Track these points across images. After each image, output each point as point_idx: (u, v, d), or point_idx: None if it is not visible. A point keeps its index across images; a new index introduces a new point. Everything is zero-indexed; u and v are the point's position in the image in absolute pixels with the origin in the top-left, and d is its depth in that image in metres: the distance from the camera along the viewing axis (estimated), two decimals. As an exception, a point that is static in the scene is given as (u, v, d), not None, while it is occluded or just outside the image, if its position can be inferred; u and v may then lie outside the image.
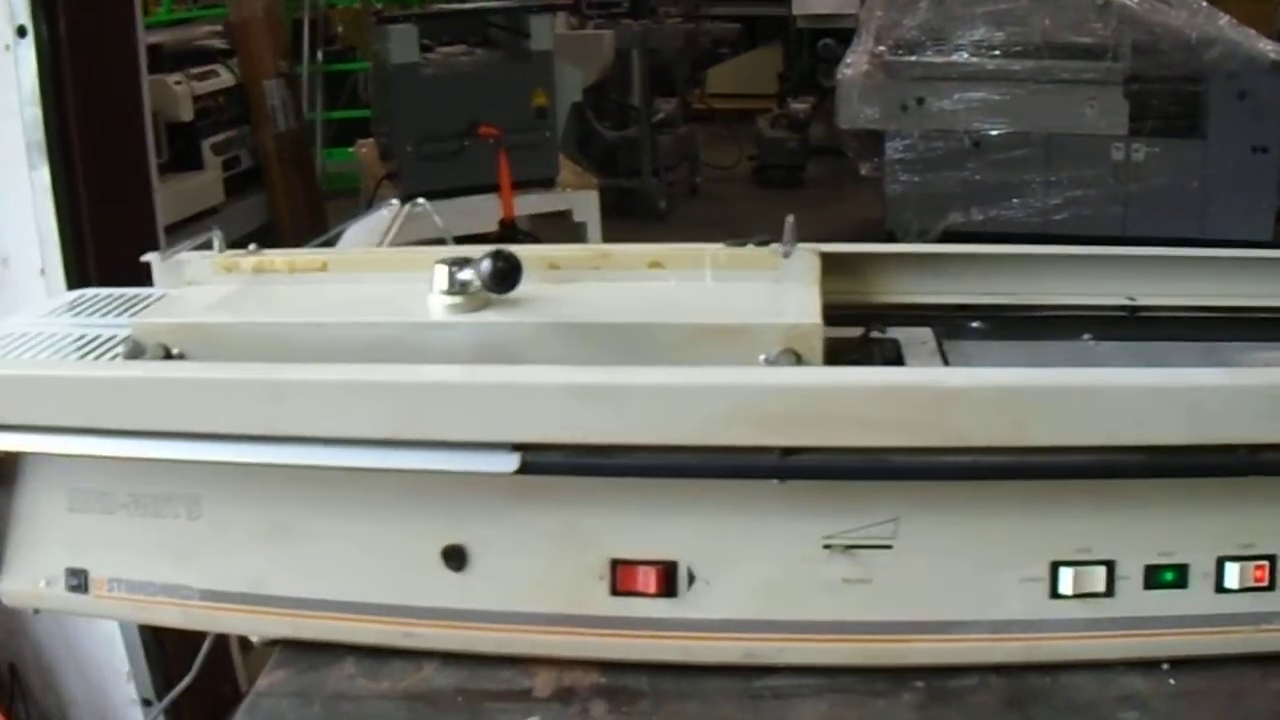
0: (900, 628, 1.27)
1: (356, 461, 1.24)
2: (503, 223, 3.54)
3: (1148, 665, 1.29)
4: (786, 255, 1.42)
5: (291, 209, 3.61)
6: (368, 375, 1.24)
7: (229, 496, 1.31)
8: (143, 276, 1.62)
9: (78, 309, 1.57)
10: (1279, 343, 1.43)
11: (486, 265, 1.29)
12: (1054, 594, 1.25)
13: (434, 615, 1.30)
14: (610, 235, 4.31)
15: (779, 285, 1.40)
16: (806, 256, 1.42)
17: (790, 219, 1.43)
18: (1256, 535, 1.24)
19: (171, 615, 1.36)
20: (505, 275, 1.30)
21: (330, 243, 1.80)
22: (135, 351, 1.35)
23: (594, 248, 1.49)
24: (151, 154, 2.50)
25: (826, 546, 1.24)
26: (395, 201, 1.88)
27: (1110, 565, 1.25)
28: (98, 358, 1.39)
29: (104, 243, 2.32)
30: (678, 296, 1.39)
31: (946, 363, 1.38)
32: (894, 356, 1.40)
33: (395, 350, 1.31)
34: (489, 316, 1.33)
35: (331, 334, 1.35)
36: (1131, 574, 1.25)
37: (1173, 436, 1.19)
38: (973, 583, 1.26)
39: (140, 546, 1.34)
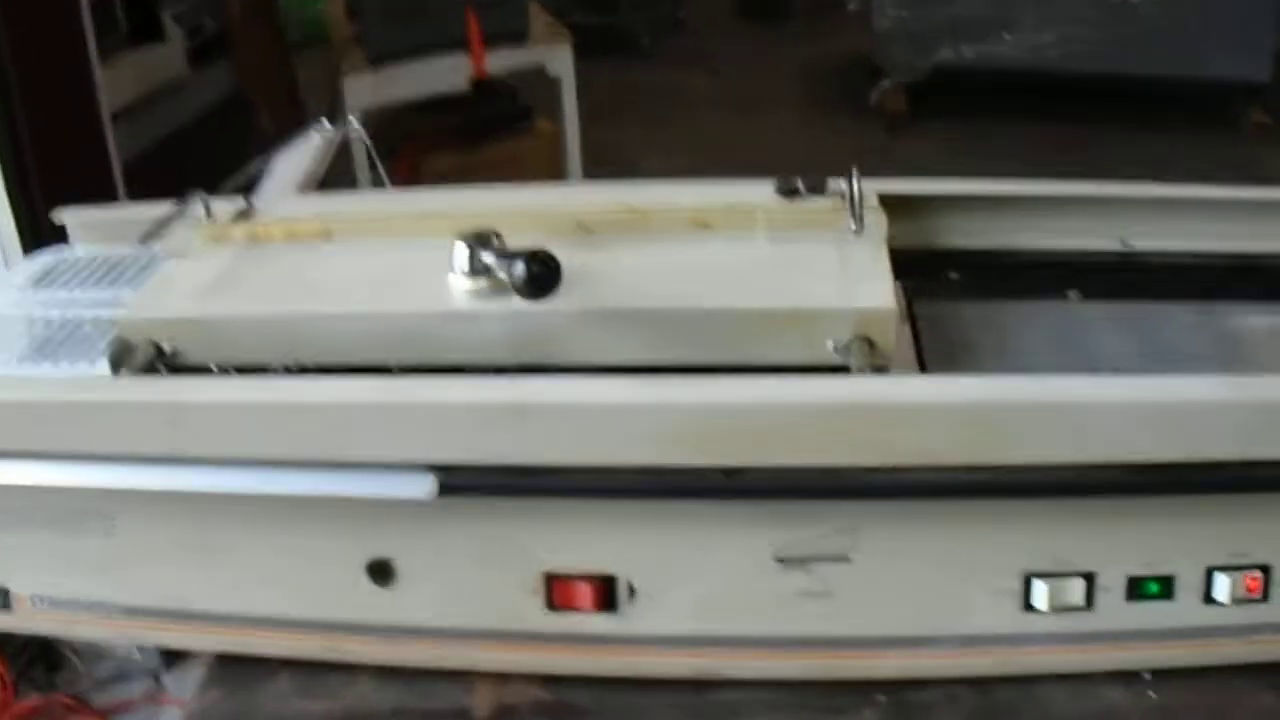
0: (862, 643, 1.19)
1: (264, 487, 1.15)
2: (475, 81, 3.42)
3: (1128, 677, 1.21)
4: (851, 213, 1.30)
5: (260, 76, 3.49)
6: (275, 395, 1.14)
7: (142, 515, 1.22)
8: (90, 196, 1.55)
9: (51, 280, 1.46)
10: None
11: (520, 269, 1.14)
12: (1027, 607, 1.16)
13: (363, 631, 1.23)
14: (592, 74, 4.18)
15: (842, 250, 1.27)
16: (871, 215, 1.29)
17: (854, 170, 1.31)
18: (1250, 544, 1.15)
19: (97, 631, 1.30)
20: (543, 281, 1.15)
21: (259, 176, 1.66)
22: (123, 350, 1.25)
23: (630, 205, 1.35)
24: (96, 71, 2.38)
25: (779, 559, 1.15)
26: (325, 122, 1.75)
27: (1090, 577, 1.16)
28: (74, 359, 1.28)
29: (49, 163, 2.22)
30: (731, 270, 1.26)
31: (915, 331, 1.28)
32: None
33: (416, 344, 1.22)
34: (519, 304, 1.19)
35: (344, 326, 1.23)
36: (1113, 586, 1.16)
37: (1157, 454, 1.09)
38: (939, 596, 1.17)
39: (61, 564, 1.26)
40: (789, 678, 1.21)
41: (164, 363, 1.24)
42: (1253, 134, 4.96)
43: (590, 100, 4.52)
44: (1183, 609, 1.18)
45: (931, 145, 4.96)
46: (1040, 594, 1.16)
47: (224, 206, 1.43)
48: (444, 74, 3.38)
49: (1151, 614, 1.18)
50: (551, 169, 3.68)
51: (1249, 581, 1.16)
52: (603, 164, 4.47)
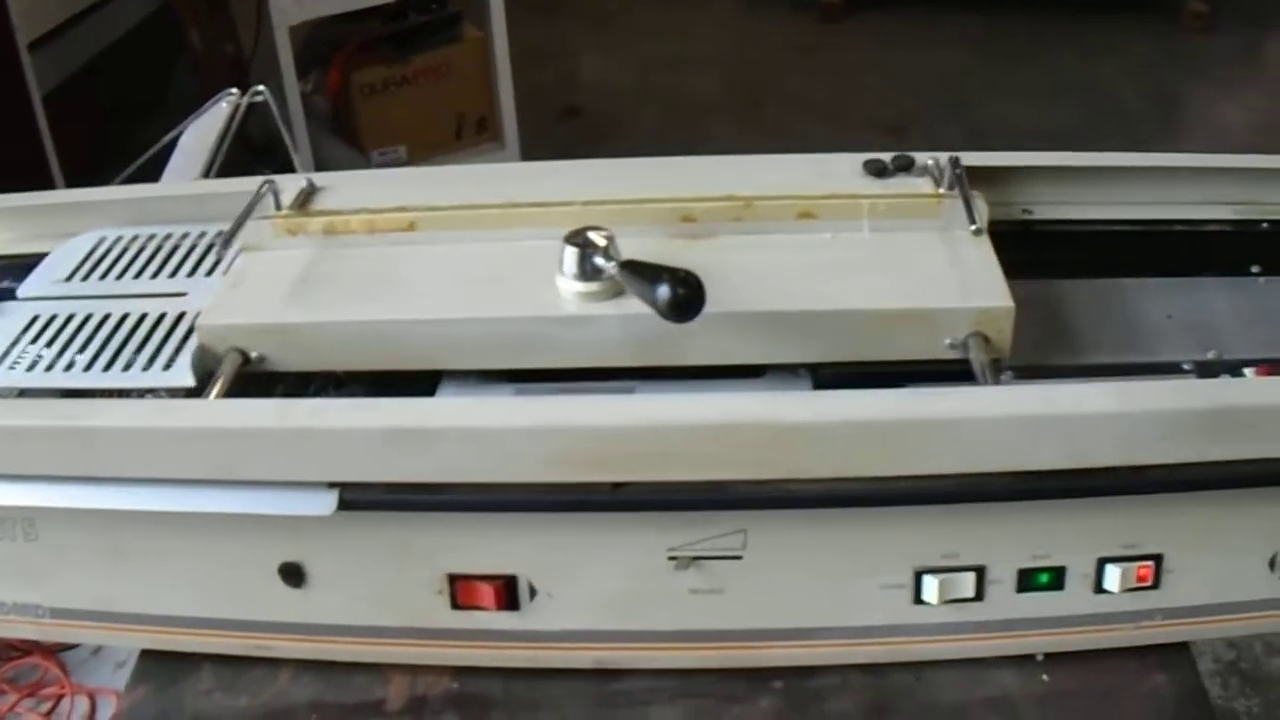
0: (755, 635, 1.21)
1: (170, 505, 1.15)
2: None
3: (1021, 661, 1.24)
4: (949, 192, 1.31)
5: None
6: (180, 421, 1.13)
7: (61, 520, 1.22)
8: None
9: (95, 269, 1.41)
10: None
11: (665, 292, 1.11)
12: (917, 600, 1.19)
13: (281, 629, 1.24)
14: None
15: (948, 242, 1.28)
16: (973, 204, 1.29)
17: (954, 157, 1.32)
18: (1141, 536, 1.17)
19: (27, 631, 1.30)
20: (688, 304, 1.12)
21: (169, 149, 1.66)
22: (206, 359, 1.22)
23: (735, 195, 1.32)
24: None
25: (672, 559, 1.17)
26: (235, 91, 1.74)
27: (980, 571, 1.18)
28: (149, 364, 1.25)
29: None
30: (845, 267, 1.25)
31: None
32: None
33: (525, 347, 1.21)
34: (636, 306, 1.18)
35: (450, 331, 1.22)
36: (1003, 578, 1.18)
37: (1043, 463, 1.10)
38: (830, 591, 1.19)
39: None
40: (687, 667, 1.23)
41: (250, 370, 1.22)
42: (1189, 23, 4.96)
43: (526, -1, 4.50)
44: (1074, 598, 1.20)
45: (868, 37, 4.95)
46: (930, 588, 1.18)
47: (289, 189, 1.38)
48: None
49: (1042, 603, 1.20)
50: (482, 77, 3.65)
51: (1140, 571, 1.18)
52: (538, 66, 4.45)
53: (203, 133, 1.68)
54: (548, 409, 1.12)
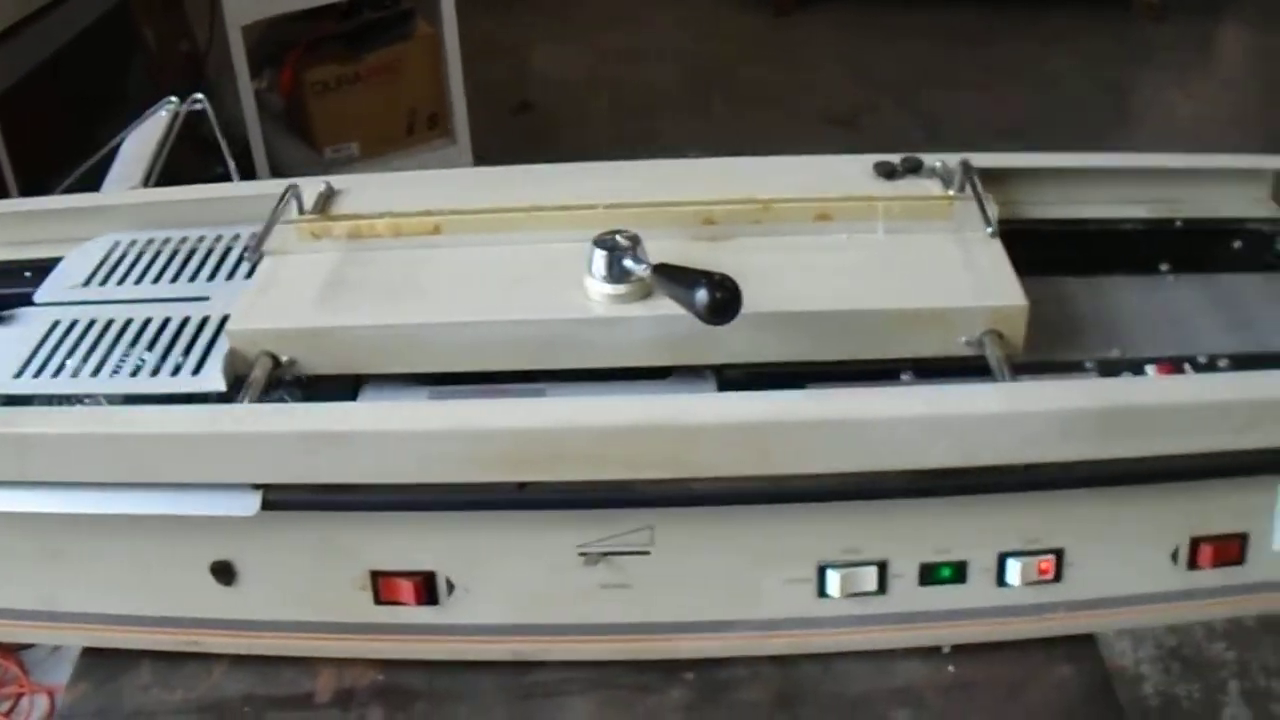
0: (665, 628, 1.24)
1: (99, 508, 1.18)
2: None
3: (927, 652, 1.27)
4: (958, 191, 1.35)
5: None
6: (109, 427, 1.17)
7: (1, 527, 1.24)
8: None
9: (112, 274, 1.41)
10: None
11: (703, 296, 1.15)
12: (821, 594, 1.22)
13: (215, 626, 1.27)
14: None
15: (959, 242, 1.32)
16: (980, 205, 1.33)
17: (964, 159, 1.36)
18: (1041, 531, 1.21)
19: None
20: (726, 307, 1.16)
21: (110, 158, 1.68)
22: (237, 363, 1.24)
23: (754, 198, 1.36)
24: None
25: (582, 554, 1.20)
26: (174, 99, 1.76)
27: (882, 565, 1.21)
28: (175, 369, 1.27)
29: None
30: (862, 266, 1.29)
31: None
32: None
33: (555, 349, 1.24)
34: (666, 307, 1.21)
35: (481, 334, 1.24)
36: (905, 572, 1.22)
37: (939, 461, 1.14)
38: (736, 585, 1.22)
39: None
40: (601, 659, 1.26)
41: (281, 375, 1.24)
42: (1142, 13, 4.98)
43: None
44: (976, 592, 1.23)
45: (820, 29, 4.95)
46: (833, 583, 1.21)
47: (310, 193, 1.40)
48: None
49: (945, 597, 1.23)
50: (433, 73, 3.66)
51: (1041, 565, 1.22)
52: (492, 60, 4.46)
53: (144, 140, 1.68)
54: (457, 412, 1.15)
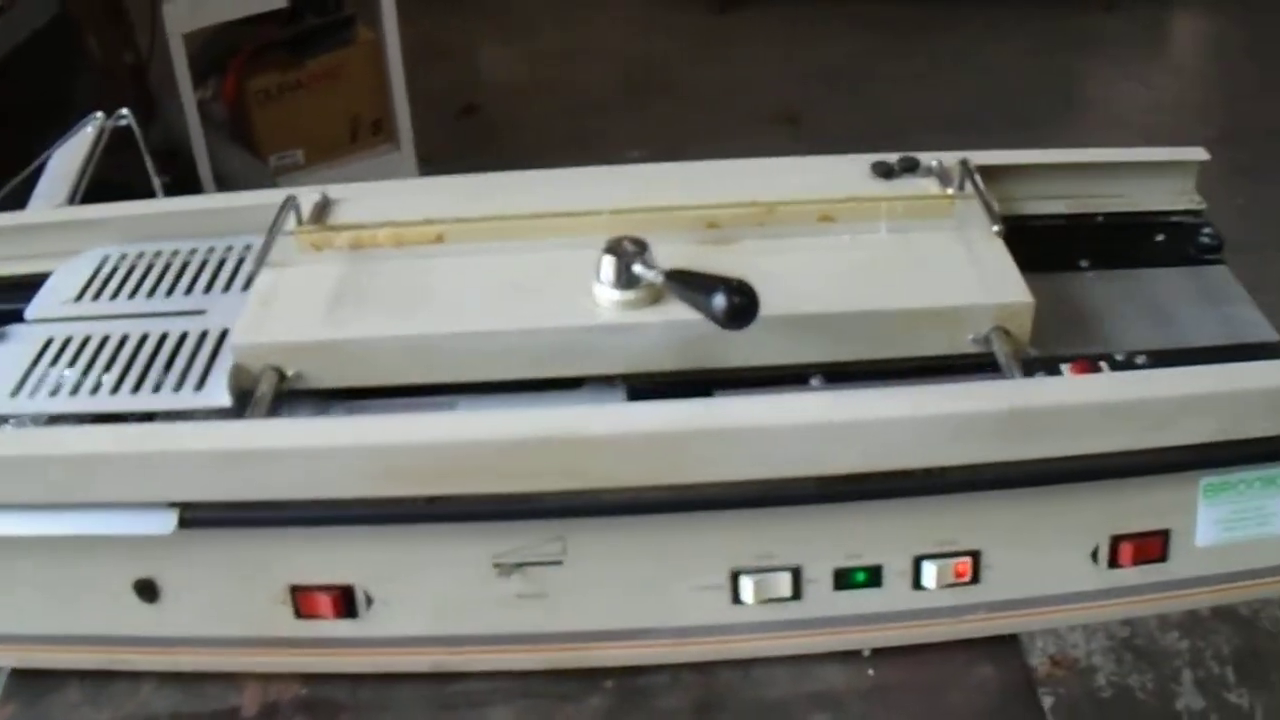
0: (582, 637, 1.25)
1: (14, 529, 1.19)
2: (292, -4, 3.41)
3: (847, 656, 1.28)
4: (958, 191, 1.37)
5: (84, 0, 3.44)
6: (18, 449, 1.17)
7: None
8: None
9: (105, 288, 1.40)
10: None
11: (721, 301, 1.16)
12: (735, 600, 1.23)
13: (138, 644, 1.28)
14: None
15: (962, 240, 1.34)
16: (976, 205, 1.35)
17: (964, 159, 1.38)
18: (957, 533, 1.22)
19: None
20: (744, 312, 1.17)
21: (37, 174, 1.68)
22: (242, 378, 1.24)
23: (758, 201, 1.37)
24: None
25: (496, 565, 1.21)
26: (100, 115, 1.76)
27: (795, 571, 1.22)
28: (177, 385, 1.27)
29: None
30: (867, 267, 1.30)
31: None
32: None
33: (566, 356, 1.25)
34: (676, 312, 1.23)
35: (490, 343, 1.25)
36: (819, 578, 1.23)
37: (845, 466, 1.15)
38: (650, 593, 1.23)
39: None
40: (521, 669, 1.27)
41: (286, 389, 1.24)
42: (1091, 3, 5.00)
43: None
44: (892, 595, 1.24)
45: (761, 26, 4.96)
46: (747, 589, 1.22)
47: (306, 204, 1.40)
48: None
49: (862, 601, 1.24)
50: (376, 79, 3.67)
51: (958, 567, 1.23)
52: (436, 63, 4.46)
53: (71, 155, 1.68)
54: (363, 428, 1.16)
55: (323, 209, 1.42)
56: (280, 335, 1.26)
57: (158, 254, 1.46)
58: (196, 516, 1.17)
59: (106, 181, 1.73)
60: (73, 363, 1.30)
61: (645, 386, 1.27)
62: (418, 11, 3.96)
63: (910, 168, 1.42)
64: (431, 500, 1.16)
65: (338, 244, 1.36)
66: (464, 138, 4.22)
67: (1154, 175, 1.53)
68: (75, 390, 1.27)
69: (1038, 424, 1.16)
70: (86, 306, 1.39)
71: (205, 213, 1.51)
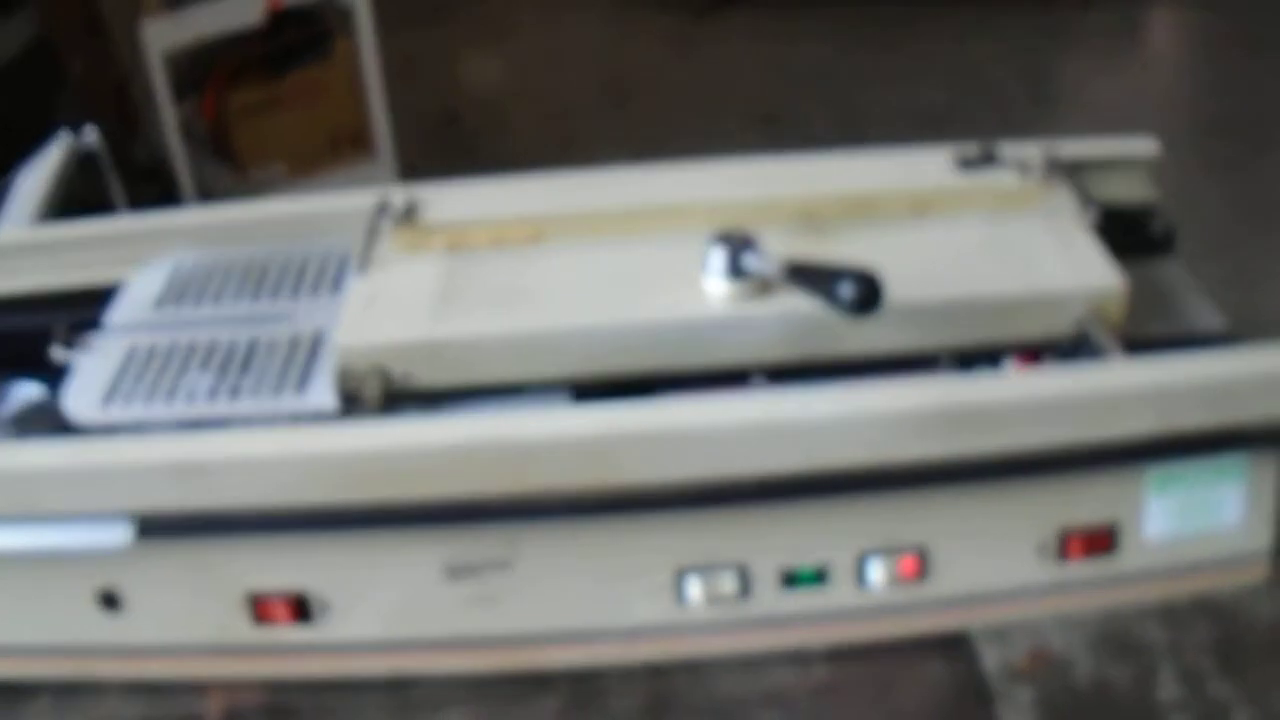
0: (534, 639, 1.27)
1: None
2: (270, 13, 3.41)
3: (798, 655, 1.28)
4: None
5: (66, 20, 3.45)
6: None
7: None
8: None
9: (184, 296, 1.41)
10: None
11: (848, 290, 1.19)
12: (683, 601, 1.24)
13: (104, 654, 1.29)
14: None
15: (1050, 228, 1.36)
16: (1063, 192, 1.38)
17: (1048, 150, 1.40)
18: (901, 530, 1.24)
19: None
20: (870, 300, 1.20)
21: (1, 194, 1.70)
22: (347, 379, 1.25)
23: (853, 193, 1.40)
24: None
25: (447, 570, 1.23)
26: (66, 134, 1.78)
27: (741, 570, 1.24)
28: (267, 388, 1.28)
29: None
30: (965, 255, 1.33)
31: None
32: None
33: (678, 350, 1.27)
34: (788, 303, 1.25)
35: (602, 339, 1.26)
36: (765, 577, 1.24)
37: (784, 466, 1.17)
38: (599, 594, 1.25)
39: None
40: (474, 673, 1.28)
41: (393, 390, 1.24)
42: (1066, 0, 4.99)
43: (404, 5, 4.50)
44: (839, 593, 1.25)
45: (740, 30, 4.95)
46: (693, 589, 1.23)
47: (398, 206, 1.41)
48: (240, 8, 3.34)
49: (808, 599, 1.25)
50: (355, 92, 3.67)
51: (904, 564, 1.24)
52: (417, 74, 4.46)
53: (36, 175, 1.69)
54: (308, 438, 1.19)
55: (409, 211, 1.42)
56: (386, 335, 1.27)
57: (234, 260, 1.47)
58: (153, 527, 1.19)
59: (88, 201, 1.74)
60: (163, 370, 1.31)
61: (590, 389, 1.28)
62: (397, 24, 3.97)
63: (989, 159, 1.45)
64: (379, 506, 1.18)
65: (434, 244, 1.37)
66: (445, 148, 4.23)
67: (1105, 168, 1.54)
68: (170, 397, 1.28)
69: (977, 419, 1.18)
70: (167, 313, 1.40)
71: (278, 218, 1.52)
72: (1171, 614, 2.55)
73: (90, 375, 1.31)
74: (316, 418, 1.24)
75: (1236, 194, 3.62)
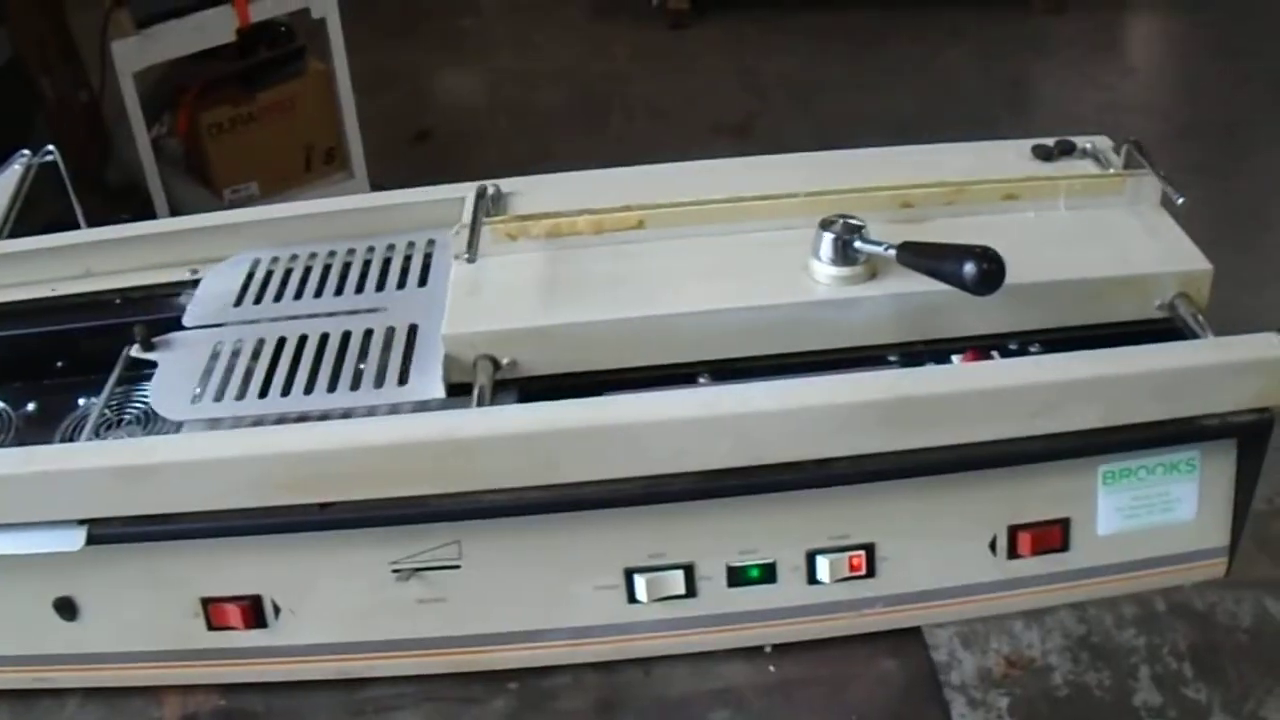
0: (483, 640, 1.27)
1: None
2: (240, 30, 3.43)
3: (749, 653, 1.29)
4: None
5: (37, 41, 3.46)
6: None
7: None
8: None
9: (265, 292, 1.40)
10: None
11: (972, 269, 1.20)
12: (631, 599, 1.25)
13: (61, 661, 1.30)
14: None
15: (1135, 215, 1.38)
16: (1147, 181, 1.40)
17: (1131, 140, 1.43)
18: (849, 527, 1.24)
19: None
20: (994, 278, 1.21)
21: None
22: (453, 369, 1.25)
23: (947, 181, 1.42)
24: None
25: (395, 571, 1.23)
26: (26, 153, 1.79)
27: (689, 568, 1.24)
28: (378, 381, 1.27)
29: None
30: (1056, 240, 1.35)
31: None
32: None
33: (786, 333, 1.28)
34: (898, 285, 1.27)
35: (712, 323, 1.26)
36: (713, 574, 1.24)
37: (724, 461, 1.17)
38: (548, 594, 1.25)
39: None
40: (426, 673, 1.29)
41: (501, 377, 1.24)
42: (1040, 6, 5.02)
43: (378, 20, 4.51)
44: (788, 590, 1.26)
45: (714, 41, 4.98)
46: (641, 587, 1.24)
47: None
48: (210, 27, 3.36)
49: (757, 597, 1.26)
50: (328, 108, 3.69)
51: (852, 560, 1.25)
52: (390, 90, 4.48)
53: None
54: (251, 439, 1.20)
55: (495, 202, 1.43)
56: (493, 324, 1.27)
57: (312, 255, 1.47)
58: (105, 533, 1.20)
59: (59, 221, 1.74)
60: (251, 365, 1.31)
61: (538, 389, 1.28)
62: (370, 40, 3.99)
63: (1067, 150, 1.48)
64: (325, 507, 1.18)
65: (534, 233, 1.37)
66: (417, 164, 4.24)
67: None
68: (263, 392, 1.28)
69: (921, 413, 1.18)
70: (249, 310, 1.39)
71: (345, 214, 1.52)
72: (1149, 619, 2.57)
73: (176, 374, 1.31)
74: (420, 408, 1.23)
75: (1211, 199, 3.63)
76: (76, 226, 1.68)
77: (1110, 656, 2.64)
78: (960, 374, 1.24)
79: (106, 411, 1.36)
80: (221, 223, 1.54)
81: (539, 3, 5.52)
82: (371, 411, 1.24)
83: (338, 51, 3.52)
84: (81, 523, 1.20)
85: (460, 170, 3.84)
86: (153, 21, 3.26)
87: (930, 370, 1.26)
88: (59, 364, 1.45)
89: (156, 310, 1.45)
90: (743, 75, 4.84)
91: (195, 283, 1.47)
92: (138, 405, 1.36)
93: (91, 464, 1.18)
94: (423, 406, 1.24)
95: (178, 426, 1.29)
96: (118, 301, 1.48)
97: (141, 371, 1.39)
